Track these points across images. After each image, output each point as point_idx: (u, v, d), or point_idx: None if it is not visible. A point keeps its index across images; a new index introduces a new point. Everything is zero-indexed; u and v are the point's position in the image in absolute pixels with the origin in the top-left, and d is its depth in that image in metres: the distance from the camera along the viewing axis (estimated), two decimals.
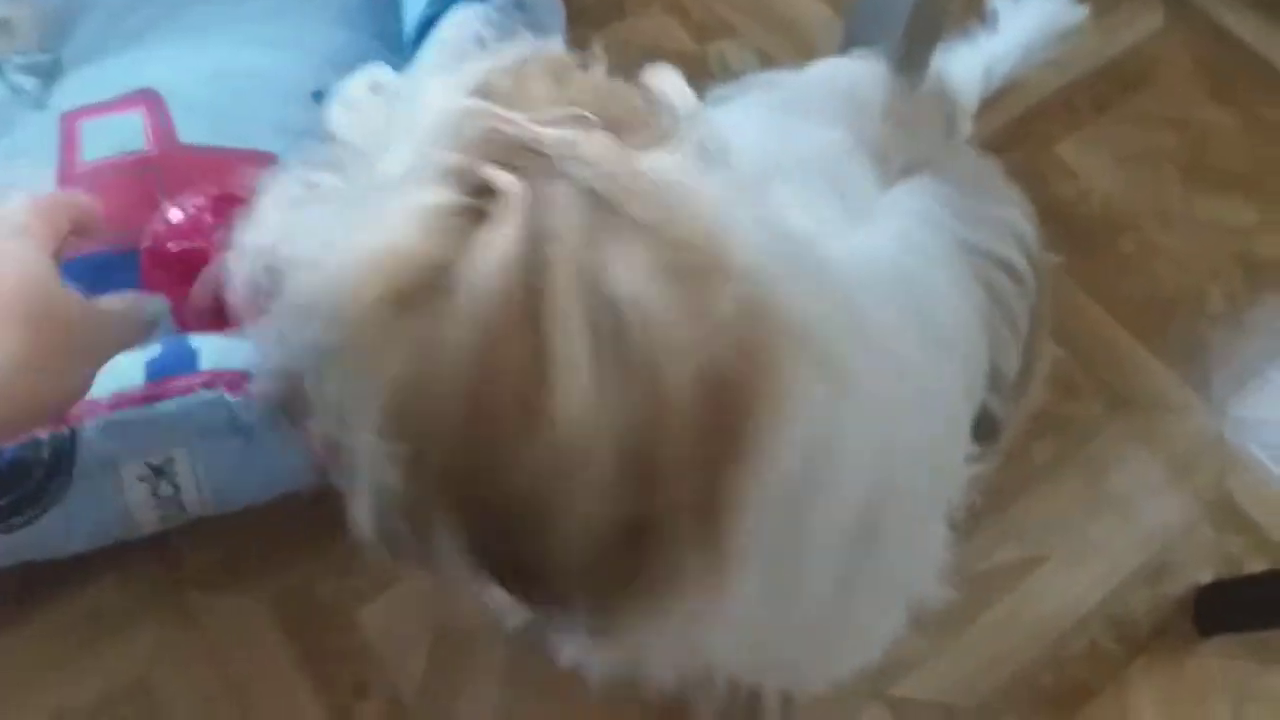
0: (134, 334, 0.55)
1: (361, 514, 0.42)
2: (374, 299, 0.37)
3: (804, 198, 0.49)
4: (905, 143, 0.57)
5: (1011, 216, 0.59)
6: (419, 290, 0.37)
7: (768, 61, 1.00)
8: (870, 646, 0.65)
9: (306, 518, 0.78)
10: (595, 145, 0.39)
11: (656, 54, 0.47)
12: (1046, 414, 0.77)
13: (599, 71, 0.44)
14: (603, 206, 0.38)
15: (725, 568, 0.42)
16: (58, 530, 0.65)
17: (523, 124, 0.39)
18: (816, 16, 1.02)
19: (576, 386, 0.37)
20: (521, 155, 0.38)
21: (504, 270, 0.36)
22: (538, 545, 0.40)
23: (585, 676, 0.63)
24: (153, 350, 0.68)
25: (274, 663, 0.72)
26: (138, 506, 0.65)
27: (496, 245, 0.37)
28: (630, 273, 0.37)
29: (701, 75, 0.46)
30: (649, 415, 0.38)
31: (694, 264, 0.39)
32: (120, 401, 0.65)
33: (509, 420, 0.37)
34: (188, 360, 0.67)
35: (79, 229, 0.56)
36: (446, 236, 0.37)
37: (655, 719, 0.69)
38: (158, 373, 0.66)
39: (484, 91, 0.41)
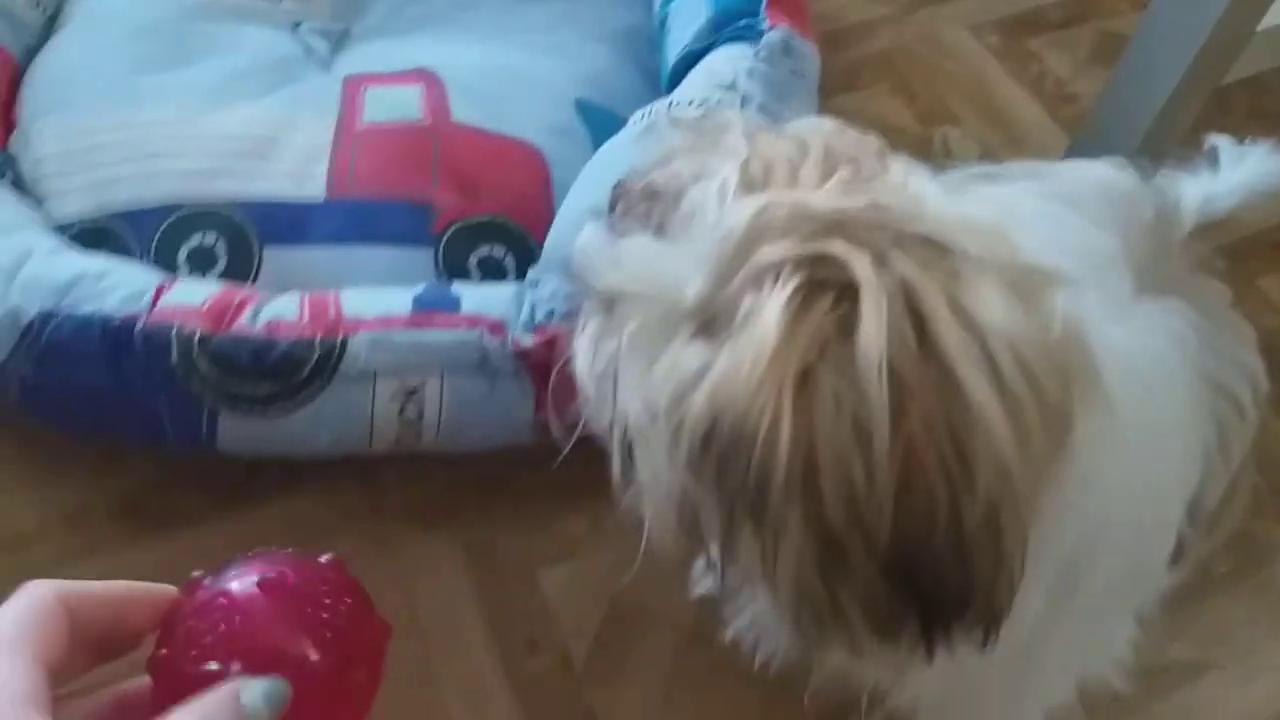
0: None
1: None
2: (775, 398, 0.39)
3: (1075, 283, 0.51)
4: (1163, 263, 0.59)
5: (1246, 356, 0.61)
6: (807, 379, 0.39)
7: (987, 153, 1.05)
8: (1033, 711, 0.66)
9: (506, 476, 0.84)
10: (899, 200, 0.43)
11: (881, 130, 0.50)
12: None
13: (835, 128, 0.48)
14: (937, 250, 0.41)
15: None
16: (305, 428, 0.69)
17: (814, 201, 0.42)
18: (1036, 119, 1.07)
19: (997, 412, 0.39)
20: (835, 227, 0.41)
21: (888, 338, 0.39)
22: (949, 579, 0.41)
23: (762, 665, 0.65)
24: (419, 287, 0.74)
25: (455, 604, 0.75)
26: (382, 423, 0.69)
27: (873, 317, 0.39)
28: (991, 302, 0.40)
29: (924, 156, 0.50)
30: (1033, 435, 0.40)
31: (1028, 283, 0.42)
32: (387, 323, 0.71)
33: (943, 473, 0.40)
34: (451, 302, 0.73)
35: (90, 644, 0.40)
36: (811, 319, 0.39)
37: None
38: (423, 306, 0.72)
39: (754, 183, 0.44)
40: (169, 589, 0.44)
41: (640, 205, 0.49)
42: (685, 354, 0.42)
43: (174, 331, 0.67)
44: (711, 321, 0.42)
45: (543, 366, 0.71)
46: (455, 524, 0.78)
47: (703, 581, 0.71)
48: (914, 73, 1.10)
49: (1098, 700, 0.64)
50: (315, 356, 0.68)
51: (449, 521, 0.79)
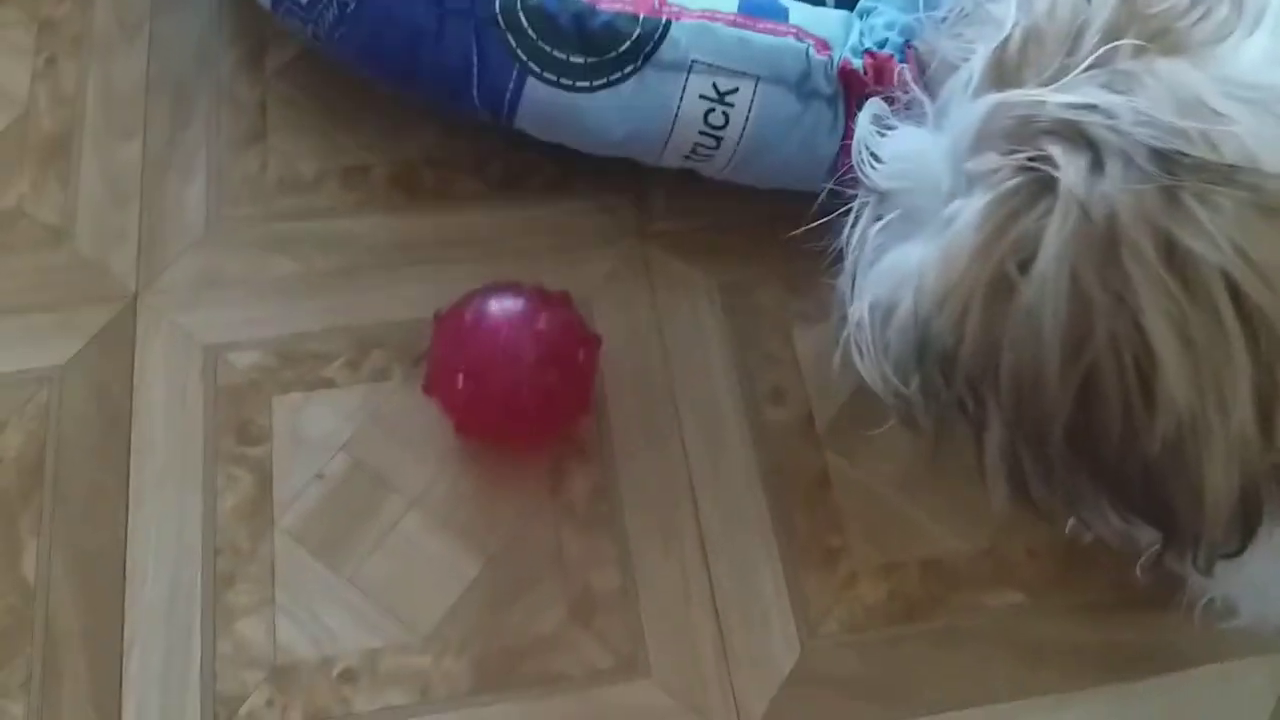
0: None
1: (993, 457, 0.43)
2: (964, 301, 0.38)
3: None
4: None
5: None
6: (1002, 282, 0.38)
7: None
8: None
9: (776, 229, 0.79)
10: (1132, 102, 0.37)
11: None
12: None
13: None
14: (1168, 162, 0.36)
15: None
16: (606, 112, 0.67)
17: (1049, 100, 0.38)
18: None
19: (1178, 360, 0.36)
20: (1063, 129, 0.37)
21: (1075, 255, 0.36)
22: (1163, 492, 0.39)
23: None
24: None
25: (705, 337, 0.73)
26: (686, 122, 0.66)
27: (1061, 229, 0.36)
28: (1214, 227, 0.35)
29: None
30: (1240, 379, 0.36)
31: None
32: (713, 16, 0.66)
33: (1122, 405, 0.37)
34: (780, 12, 0.68)
35: None
36: (1014, 227, 0.37)
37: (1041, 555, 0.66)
38: (750, 10, 0.68)
39: (1001, 70, 0.41)
40: None
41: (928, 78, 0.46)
42: (911, 251, 0.41)
43: None
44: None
45: (861, 101, 0.66)
46: (717, 262, 0.75)
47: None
48: None
49: None
50: (636, 33, 0.64)
51: (711, 259, 0.76)
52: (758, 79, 0.65)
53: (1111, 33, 0.40)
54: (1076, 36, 0.40)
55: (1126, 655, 0.64)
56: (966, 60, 0.42)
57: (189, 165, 0.78)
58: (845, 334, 0.45)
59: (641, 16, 0.65)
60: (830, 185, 0.67)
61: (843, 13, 0.69)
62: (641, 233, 0.77)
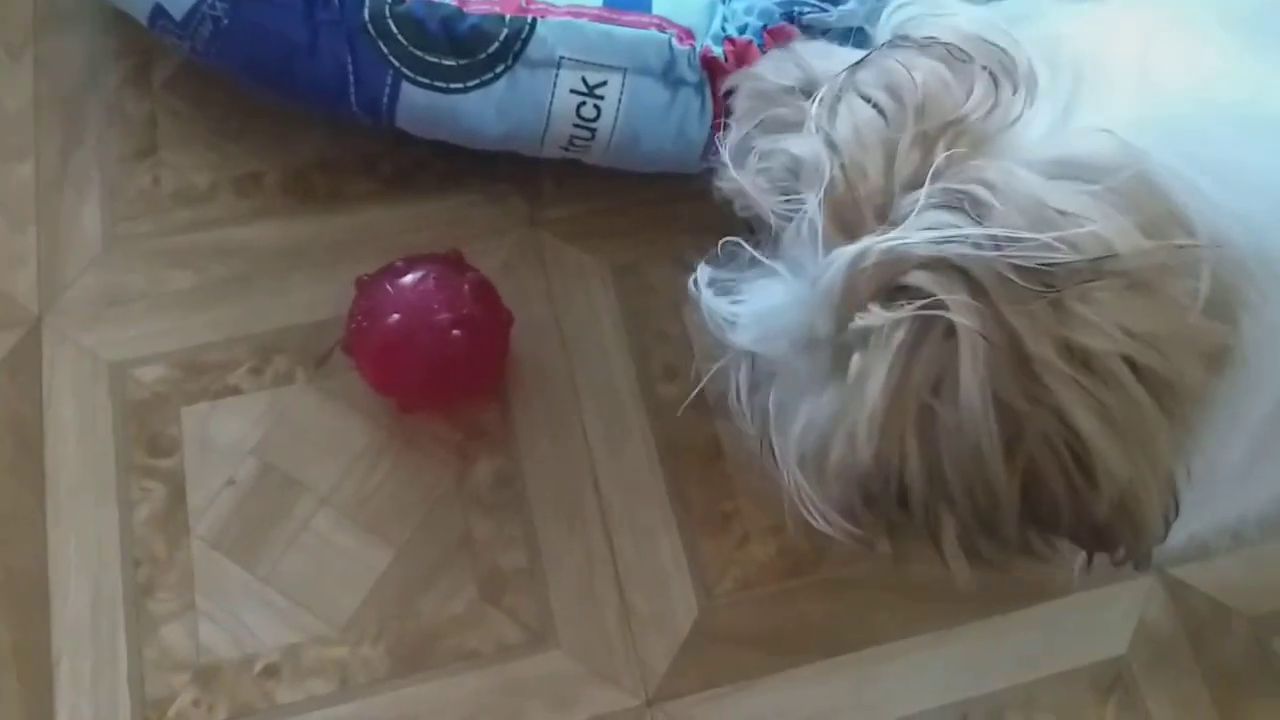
0: None
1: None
2: (898, 443, 0.40)
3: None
4: None
5: None
6: (927, 413, 0.40)
7: None
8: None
9: (661, 208, 0.82)
10: (988, 227, 0.38)
11: None
12: None
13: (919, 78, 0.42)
14: (1034, 275, 0.38)
15: None
16: (482, 111, 0.69)
17: (907, 240, 0.39)
18: None
19: (1107, 441, 0.39)
20: (933, 265, 0.39)
21: (991, 380, 0.38)
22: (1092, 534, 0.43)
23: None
24: None
25: (600, 317, 0.76)
26: (560, 117, 0.69)
27: (972, 363, 0.38)
28: (1101, 320, 0.38)
29: None
30: (1159, 433, 0.40)
31: (1161, 267, 0.39)
32: (578, 13, 0.69)
33: (1065, 484, 0.40)
34: (643, 3, 0.70)
35: None
36: (919, 363, 0.39)
37: None
38: (614, 4, 0.70)
39: (840, 214, 0.41)
40: None
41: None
42: (818, 405, 0.43)
43: None
44: (836, 366, 0.42)
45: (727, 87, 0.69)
46: (607, 246, 0.78)
47: None
48: None
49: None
50: (503, 33, 0.67)
51: (602, 242, 0.79)
52: (625, 71, 0.68)
53: (923, 144, 0.41)
54: (891, 158, 0.41)
55: (1001, 590, 0.68)
56: (789, 214, 0.42)
57: (83, 183, 0.80)
58: (790, 496, 0.47)
59: (508, 17, 0.67)
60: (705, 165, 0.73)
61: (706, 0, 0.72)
62: (533, 221, 0.79)
